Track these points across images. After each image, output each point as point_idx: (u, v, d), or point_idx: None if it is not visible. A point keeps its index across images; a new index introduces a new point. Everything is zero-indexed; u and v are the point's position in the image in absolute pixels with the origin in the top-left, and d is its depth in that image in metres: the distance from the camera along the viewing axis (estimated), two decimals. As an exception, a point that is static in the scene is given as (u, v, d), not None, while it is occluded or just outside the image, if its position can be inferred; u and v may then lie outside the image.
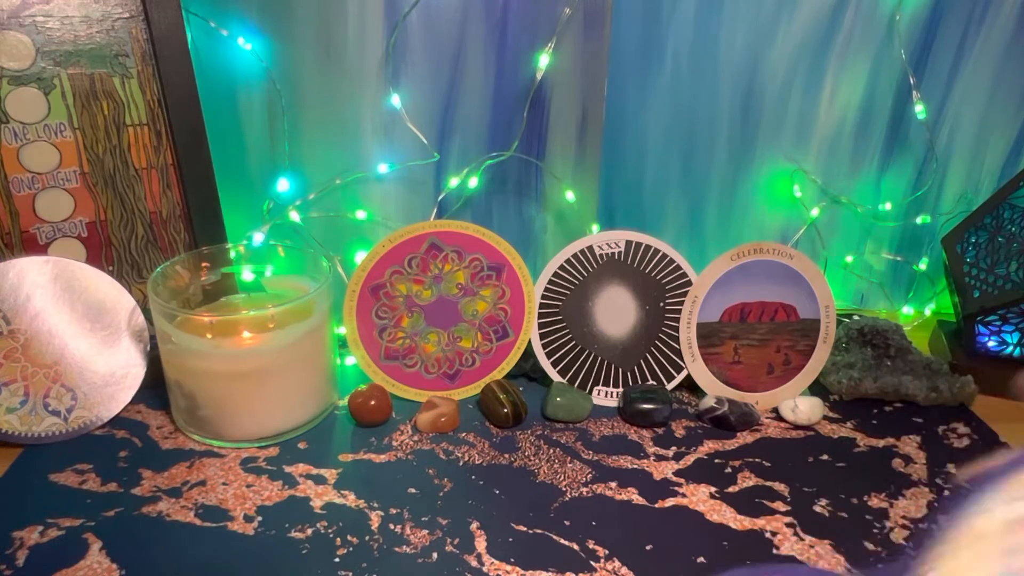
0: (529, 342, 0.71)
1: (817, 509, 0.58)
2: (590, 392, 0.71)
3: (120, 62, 0.65)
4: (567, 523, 0.56)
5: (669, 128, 0.82)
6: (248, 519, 0.55)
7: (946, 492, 0.60)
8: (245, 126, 0.76)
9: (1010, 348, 0.76)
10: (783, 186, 0.86)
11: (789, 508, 0.58)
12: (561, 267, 0.71)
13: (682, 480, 0.61)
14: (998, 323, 0.76)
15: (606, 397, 0.71)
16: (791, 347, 0.72)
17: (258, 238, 0.78)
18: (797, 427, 0.68)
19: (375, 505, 0.57)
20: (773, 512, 0.57)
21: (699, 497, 0.59)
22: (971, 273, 0.77)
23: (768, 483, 0.61)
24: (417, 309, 0.69)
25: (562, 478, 0.61)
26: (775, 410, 0.71)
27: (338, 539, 0.53)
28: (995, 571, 0.19)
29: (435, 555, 0.52)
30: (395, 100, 0.76)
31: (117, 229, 0.69)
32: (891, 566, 0.19)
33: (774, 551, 0.54)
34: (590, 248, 0.71)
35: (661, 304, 0.71)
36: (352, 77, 0.75)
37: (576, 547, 0.53)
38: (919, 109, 0.81)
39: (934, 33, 0.79)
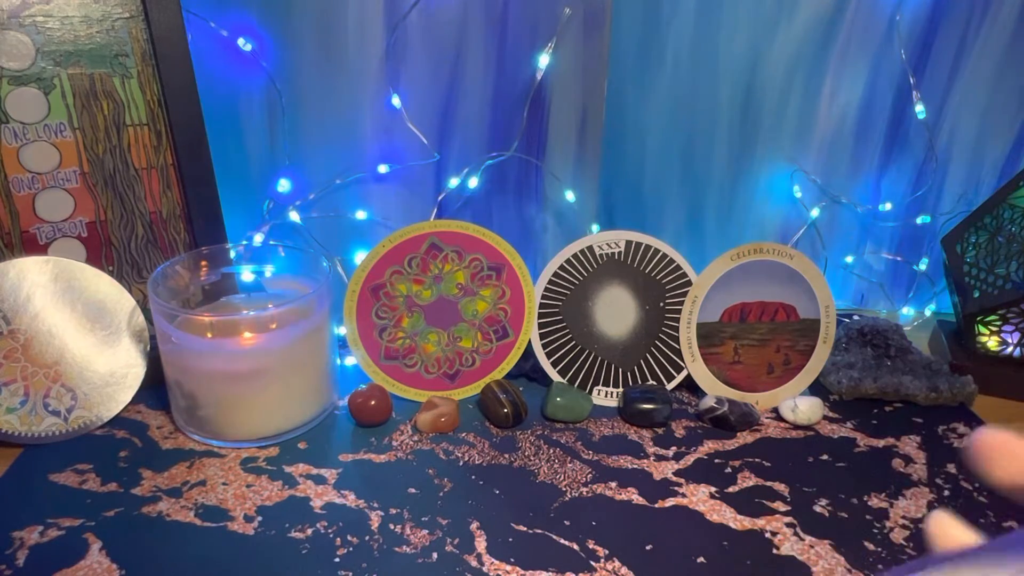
0: (529, 342, 0.71)
1: (817, 509, 0.58)
2: (590, 392, 0.71)
3: (120, 62, 0.65)
4: (567, 523, 0.56)
5: (669, 128, 0.82)
6: (248, 519, 0.55)
7: (946, 492, 0.60)
8: (245, 126, 0.76)
9: (1010, 348, 0.76)
10: (783, 186, 0.86)
11: (789, 508, 0.58)
12: (561, 267, 0.71)
13: (682, 480, 0.61)
14: (998, 323, 0.76)
15: (606, 397, 0.71)
16: (791, 347, 0.72)
17: (258, 238, 0.78)
18: (797, 427, 0.68)
19: (375, 505, 0.57)
20: (773, 512, 0.57)
21: (699, 497, 0.59)
22: (971, 273, 0.77)
23: (768, 483, 0.61)
24: (417, 309, 0.69)
25: (562, 478, 0.61)
26: (775, 410, 0.71)
27: (338, 539, 0.53)
28: None
29: (435, 555, 0.52)
30: (395, 100, 0.76)
31: (117, 229, 0.69)
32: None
33: (774, 551, 0.54)
34: (590, 248, 0.71)
35: (661, 304, 0.71)
36: (352, 77, 0.75)
37: (576, 547, 0.53)
38: (919, 109, 0.81)
39: (934, 33, 0.79)
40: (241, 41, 0.71)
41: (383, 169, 0.79)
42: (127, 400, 0.67)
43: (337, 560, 0.52)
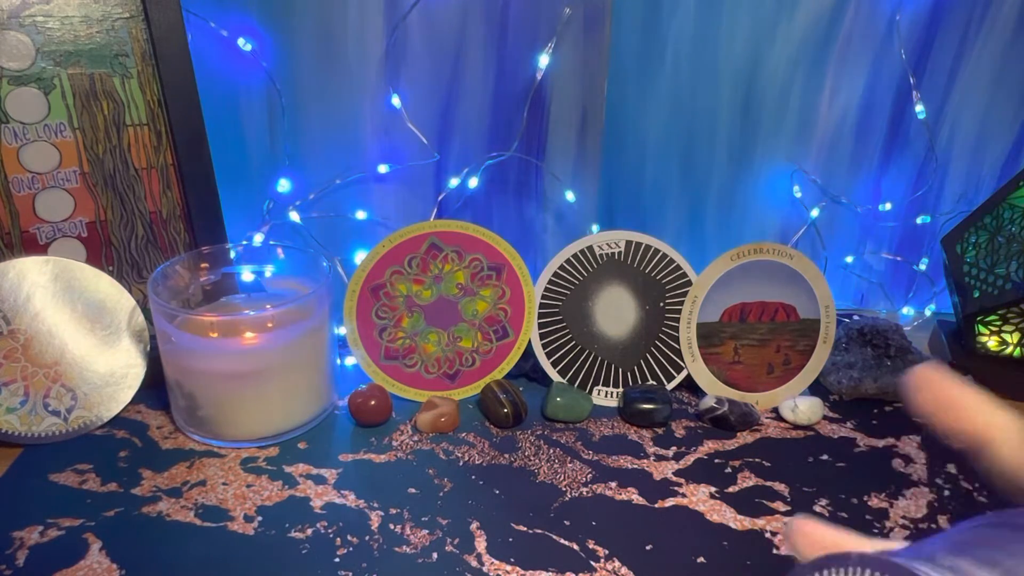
0: (529, 342, 0.71)
1: (817, 509, 0.58)
2: (590, 392, 0.71)
3: (120, 62, 0.65)
4: (567, 523, 0.56)
5: (669, 128, 0.82)
6: (248, 519, 0.55)
7: (946, 492, 0.60)
8: (245, 126, 0.76)
9: (1010, 348, 0.76)
10: (783, 186, 0.86)
11: (789, 508, 0.58)
12: (561, 267, 0.71)
13: (682, 480, 0.61)
14: (998, 323, 0.76)
15: (606, 397, 0.71)
16: (791, 347, 0.72)
17: (258, 238, 0.78)
18: (797, 427, 0.68)
19: (375, 505, 0.57)
20: (773, 512, 0.57)
21: (699, 497, 0.59)
22: (971, 273, 0.77)
23: (768, 483, 0.61)
24: (417, 309, 0.69)
25: (562, 478, 0.61)
26: (775, 410, 0.71)
27: (338, 539, 0.54)
28: None
29: (435, 555, 0.52)
30: (395, 100, 0.76)
31: (117, 229, 0.69)
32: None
33: (774, 551, 0.54)
34: (590, 248, 0.71)
35: (661, 304, 0.71)
36: (352, 77, 0.75)
37: (576, 547, 0.53)
38: (919, 109, 0.81)
39: (934, 33, 0.79)
40: (241, 41, 0.71)
41: (383, 169, 0.79)
42: (127, 400, 0.67)
43: (337, 560, 0.52)
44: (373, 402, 0.66)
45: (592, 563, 0.52)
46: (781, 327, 0.71)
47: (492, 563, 0.52)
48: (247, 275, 0.72)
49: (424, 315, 0.70)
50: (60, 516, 0.55)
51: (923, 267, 0.90)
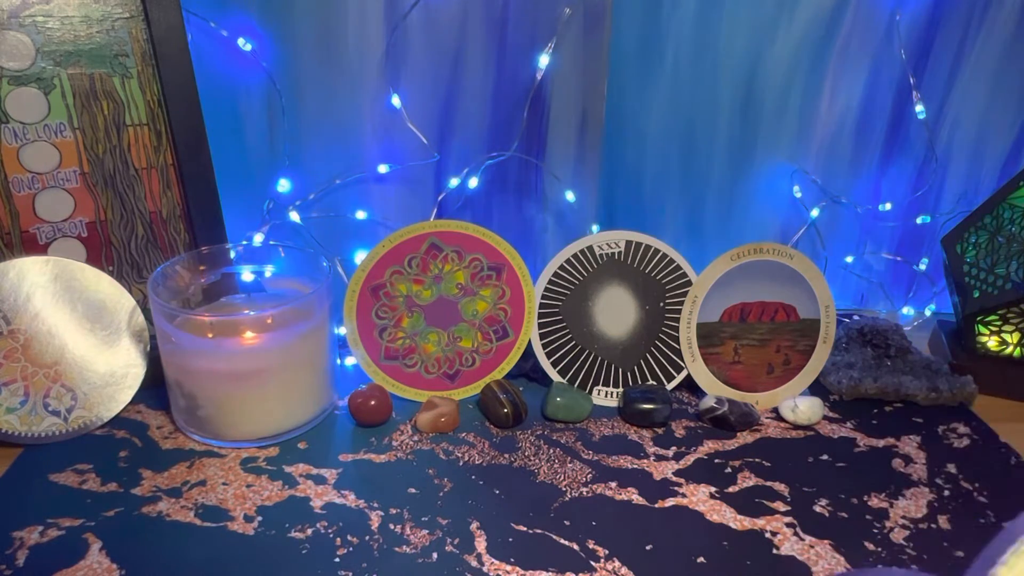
0: (529, 342, 0.71)
1: (817, 509, 0.58)
2: (590, 392, 0.71)
3: (120, 62, 0.65)
4: (567, 523, 0.56)
5: (669, 128, 0.82)
6: (248, 519, 0.55)
7: (946, 492, 0.60)
8: (245, 126, 0.76)
9: (1010, 348, 0.76)
10: (783, 186, 0.86)
11: (789, 508, 0.58)
12: (561, 267, 0.71)
13: (682, 480, 0.61)
14: (998, 323, 0.76)
15: (606, 397, 0.71)
16: (791, 347, 0.72)
17: (258, 238, 0.78)
18: (797, 427, 0.68)
19: (375, 505, 0.57)
20: (773, 512, 0.57)
21: (699, 497, 0.59)
22: (971, 273, 0.77)
23: (768, 483, 0.61)
24: (417, 309, 0.69)
25: (562, 478, 0.61)
26: (775, 410, 0.71)
27: (338, 539, 0.54)
28: None
29: (435, 555, 0.52)
30: (395, 100, 0.76)
31: (117, 229, 0.69)
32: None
33: (774, 551, 0.54)
34: (590, 248, 0.71)
35: (661, 304, 0.71)
36: (352, 77, 0.75)
37: (576, 547, 0.53)
38: (919, 109, 0.81)
39: (934, 33, 0.79)
40: (241, 41, 0.71)
41: (383, 169, 0.79)
42: (127, 400, 0.67)
43: (337, 560, 0.52)
44: (373, 402, 0.66)
45: (592, 563, 0.52)
46: (781, 327, 0.71)
47: (492, 563, 0.52)
48: (247, 275, 0.72)
49: (424, 315, 0.70)
50: (60, 516, 0.55)
51: (923, 267, 0.90)
